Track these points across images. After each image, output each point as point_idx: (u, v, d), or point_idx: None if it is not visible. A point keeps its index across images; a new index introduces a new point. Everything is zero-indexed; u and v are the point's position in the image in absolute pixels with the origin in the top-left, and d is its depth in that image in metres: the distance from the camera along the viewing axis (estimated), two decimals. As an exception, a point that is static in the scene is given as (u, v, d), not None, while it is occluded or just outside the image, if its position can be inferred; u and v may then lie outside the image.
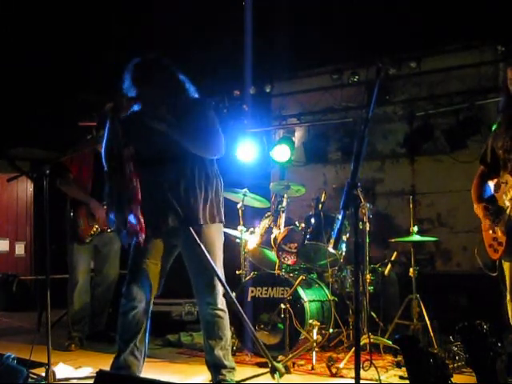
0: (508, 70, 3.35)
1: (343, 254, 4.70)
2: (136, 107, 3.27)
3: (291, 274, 4.77)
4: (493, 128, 4.86)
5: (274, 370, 3.01)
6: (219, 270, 3.30)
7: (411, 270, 4.67)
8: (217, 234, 3.38)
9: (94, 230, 5.01)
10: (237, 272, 4.99)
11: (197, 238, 3.08)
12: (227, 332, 3.36)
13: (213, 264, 3.14)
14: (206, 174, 3.34)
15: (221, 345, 3.30)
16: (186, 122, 3.22)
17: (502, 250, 3.30)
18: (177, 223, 3.23)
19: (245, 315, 3.13)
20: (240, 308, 3.11)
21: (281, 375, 3.01)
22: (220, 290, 3.30)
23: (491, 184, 3.46)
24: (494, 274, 3.48)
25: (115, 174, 3.19)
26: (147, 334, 3.33)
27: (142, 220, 3.15)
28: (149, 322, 3.33)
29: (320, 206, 4.94)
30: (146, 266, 3.28)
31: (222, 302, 3.32)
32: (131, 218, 3.13)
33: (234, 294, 4.61)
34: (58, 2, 6.21)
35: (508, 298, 3.38)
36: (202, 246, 3.13)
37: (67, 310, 5.18)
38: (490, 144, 3.46)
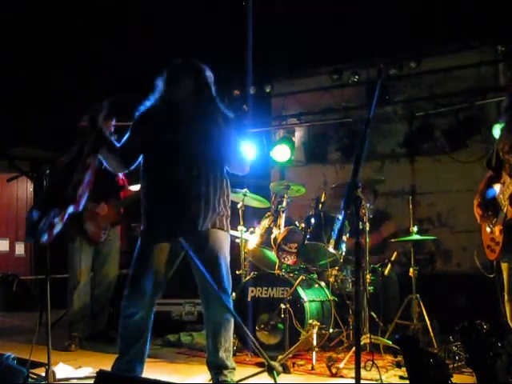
0: None
1: (343, 254, 4.70)
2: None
3: (291, 274, 4.77)
4: (493, 129, 4.93)
5: (271, 370, 3.01)
6: (227, 273, 3.33)
7: (411, 270, 4.67)
8: (224, 240, 3.39)
9: (103, 229, 5.02)
10: (237, 272, 4.99)
11: (185, 245, 3.08)
12: (232, 334, 3.39)
13: (220, 267, 3.18)
14: (220, 181, 3.36)
15: (225, 347, 3.33)
16: (227, 135, 3.33)
17: (498, 250, 3.32)
18: (185, 227, 3.24)
19: (238, 318, 3.13)
20: (235, 314, 3.13)
21: (278, 374, 3.01)
22: (228, 291, 3.32)
23: (497, 187, 3.47)
24: (491, 276, 3.50)
25: (64, 175, 3.20)
26: (149, 337, 3.33)
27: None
28: (151, 325, 3.33)
29: (320, 206, 4.94)
30: (149, 269, 3.26)
31: (229, 304, 3.33)
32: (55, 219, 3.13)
33: (233, 295, 4.65)
34: (58, 2, 6.22)
35: (506, 298, 3.38)
36: (210, 247, 3.20)
37: (67, 309, 5.18)
38: (496, 147, 3.50)
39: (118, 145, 3.34)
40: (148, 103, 3.38)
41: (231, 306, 3.35)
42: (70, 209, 3.17)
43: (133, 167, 3.44)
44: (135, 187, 5.00)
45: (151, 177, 3.36)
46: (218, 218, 3.33)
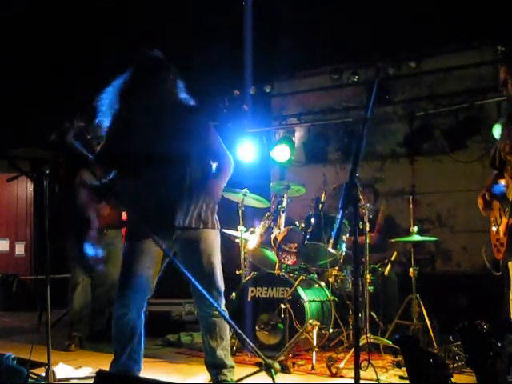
0: (500, 69, 3.43)
1: (343, 253, 4.70)
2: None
3: (291, 274, 4.77)
4: (493, 129, 4.96)
5: (268, 368, 3.01)
6: (219, 273, 3.32)
7: (411, 270, 4.67)
8: (215, 238, 3.38)
9: (100, 229, 5.03)
10: (237, 272, 4.99)
11: (168, 252, 3.06)
12: (228, 332, 3.38)
13: (213, 267, 3.17)
14: (204, 179, 3.34)
15: (222, 345, 3.32)
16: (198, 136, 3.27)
17: (503, 251, 3.39)
18: (175, 226, 3.23)
19: (231, 321, 3.12)
20: (228, 318, 3.13)
21: (276, 372, 3.01)
22: (221, 290, 3.31)
23: (502, 182, 3.52)
24: (498, 274, 3.54)
25: (66, 202, 3.20)
26: (143, 337, 3.32)
27: (99, 251, 3.14)
28: (143, 325, 3.32)
29: (320, 205, 4.94)
30: (139, 268, 3.24)
31: (222, 303, 3.33)
32: (88, 249, 3.13)
33: (233, 294, 4.66)
34: (58, 2, 6.22)
35: (511, 297, 3.41)
36: (202, 248, 3.18)
37: (67, 309, 5.18)
38: (499, 147, 3.53)
39: (91, 156, 3.39)
40: (115, 105, 3.30)
41: (223, 305, 3.34)
42: (93, 232, 3.20)
43: (111, 176, 3.41)
44: None
45: (131, 179, 3.32)
46: (203, 214, 3.29)
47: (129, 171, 3.31)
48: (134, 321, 3.25)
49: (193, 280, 2.95)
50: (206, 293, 2.98)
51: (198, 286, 2.95)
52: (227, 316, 3.34)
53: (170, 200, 3.22)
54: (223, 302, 3.34)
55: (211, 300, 3.02)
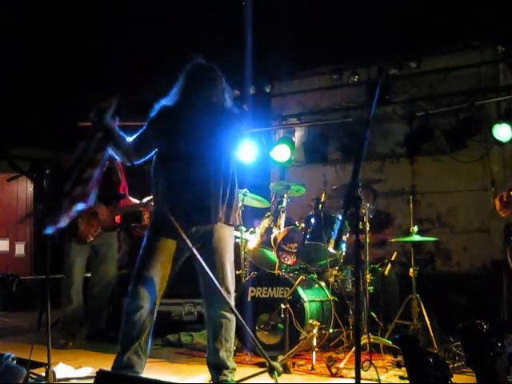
0: None
1: (343, 253, 4.70)
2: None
3: (291, 274, 4.77)
4: (493, 129, 5.00)
5: (272, 370, 3.01)
6: (230, 270, 3.34)
7: (411, 270, 4.67)
8: (230, 235, 3.43)
9: (95, 230, 5.02)
10: (237, 272, 4.98)
11: (190, 245, 3.08)
12: (233, 334, 3.38)
13: (224, 265, 3.22)
14: (232, 178, 3.41)
15: (226, 347, 3.33)
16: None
17: None
18: (194, 223, 3.27)
19: (240, 316, 3.13)
20: (238, 314, 3.13)
21: (279, 374, 3.02)
22: (232, 291, 3.33)
23: None
24: None
25: (72, 173, 3.21)
26: (151, 334, 3.32)
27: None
28: (154, 322, 3.32)
29: (320, 206, 4.94)
30: (155, 266, 3.26)
31: (232, 304, 3.32)
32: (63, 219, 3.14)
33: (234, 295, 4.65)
34: (59, 2, 6.22)
35: None
36: (214, 246, 3.25)
37: (62, 308, 5.17)
38: None
39: (129, 139, 3.39)
40: (169, 98, 3.42)
41: (233, 306, 3.34)
42: (80, 206, 3.18)
43: (140, 161, 3.46)
44: (135, 199, 5.08)
45: (164, 172, 3.37)
46: (226, 211, 3.35)
47: (165, 165, 3.36)
48: (146, 316, 3.24)
49: (212, 277, 2.98)
50: (221, 289, 3.02)
51: (217, 284, 2.99)
52: (234, 318, 3.34)
53: (195, 196, 3.26)
54: (233, 302, 3.34)
55: (226, 298, 3.05)
